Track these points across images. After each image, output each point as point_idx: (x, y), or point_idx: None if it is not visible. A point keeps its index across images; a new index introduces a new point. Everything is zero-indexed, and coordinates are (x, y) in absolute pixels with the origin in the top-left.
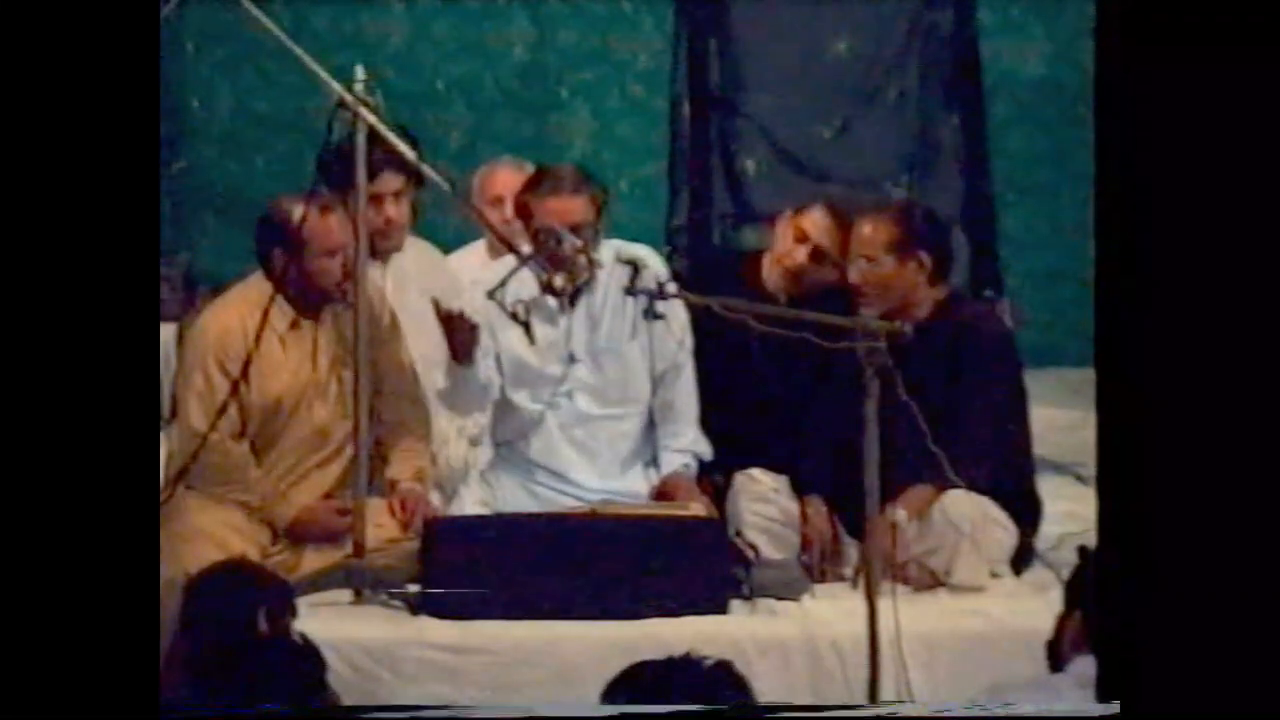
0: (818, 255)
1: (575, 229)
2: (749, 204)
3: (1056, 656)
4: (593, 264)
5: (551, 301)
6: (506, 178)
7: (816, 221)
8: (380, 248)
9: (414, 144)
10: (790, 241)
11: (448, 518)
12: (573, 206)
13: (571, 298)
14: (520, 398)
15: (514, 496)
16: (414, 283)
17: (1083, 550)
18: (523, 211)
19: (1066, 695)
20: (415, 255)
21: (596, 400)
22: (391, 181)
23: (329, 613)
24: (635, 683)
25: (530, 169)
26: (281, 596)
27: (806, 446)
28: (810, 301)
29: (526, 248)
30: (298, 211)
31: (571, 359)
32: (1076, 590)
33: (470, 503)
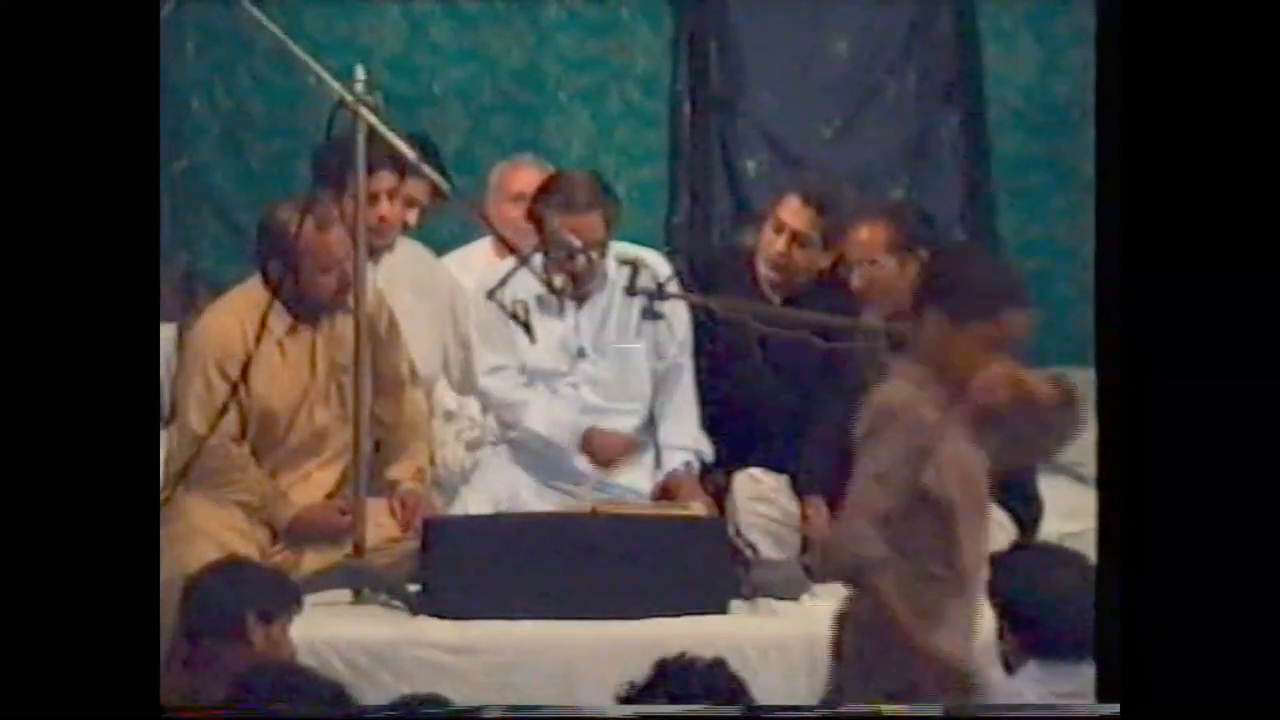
0: (797, 240)
1: (586, 245)
2: (749, 204)
3: (1007, 664)
4: (596, 272)
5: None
6: (529, 177)
7: (792, 208)
8: (373, 245)
9: (423, 147)
10: (771, 233)
11: (448, 518)
12: (585, 224)
13: (579, 299)
14: (524, 392)
15: (515, 496)
16: (405, 282)
17: (992, 558)
18: (535, 219)
19: (1027, 694)
20: (405, 254)
21: (600, 396)
22: (386, 179)
23: (329, 613)
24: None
25: (551, 169)
26: (282, 596)
27: (807, 446)
28: (808, 298)
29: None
30: (294, 223)
31: (581, 353)
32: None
33: (470, 503)
